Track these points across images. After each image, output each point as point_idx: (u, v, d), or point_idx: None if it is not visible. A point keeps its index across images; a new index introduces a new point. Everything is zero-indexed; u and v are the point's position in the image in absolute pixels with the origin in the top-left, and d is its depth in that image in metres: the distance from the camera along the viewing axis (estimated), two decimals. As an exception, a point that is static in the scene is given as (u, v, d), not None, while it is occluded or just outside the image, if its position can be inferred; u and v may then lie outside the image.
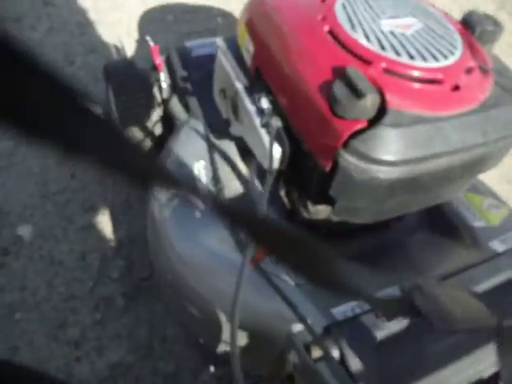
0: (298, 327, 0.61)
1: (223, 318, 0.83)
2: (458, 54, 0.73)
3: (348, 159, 0.63)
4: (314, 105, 0.67)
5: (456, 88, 0.69)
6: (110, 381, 1.10)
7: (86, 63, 1.73)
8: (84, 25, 1.89)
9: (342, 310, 0.63)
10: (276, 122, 0.77)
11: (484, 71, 0.75)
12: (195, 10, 2.06)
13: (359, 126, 0.63)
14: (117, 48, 1.80)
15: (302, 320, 0.61)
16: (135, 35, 1.88)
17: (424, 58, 0.69)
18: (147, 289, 1.22)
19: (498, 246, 0.85)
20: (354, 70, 0.63)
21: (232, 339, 0.59)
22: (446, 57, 0.71)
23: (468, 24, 0.82)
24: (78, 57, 1.75)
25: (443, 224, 0.97)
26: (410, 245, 0.97)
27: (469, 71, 0.73)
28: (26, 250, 1.26)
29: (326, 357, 0.52)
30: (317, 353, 0.53)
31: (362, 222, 0.79)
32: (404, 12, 0.78)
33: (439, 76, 0.69)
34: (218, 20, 2.05)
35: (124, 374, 1.11)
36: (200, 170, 1.02)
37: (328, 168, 0.67)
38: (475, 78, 0.73)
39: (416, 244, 0.97)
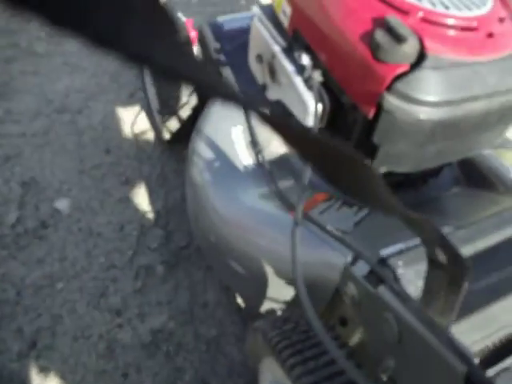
0: (354, 261, 0.64)
1: (269, 273, 0.86)
2: (489, 4, 0.75)
3: (392, 102, 0.65)
4: (357, 53, 0.69)
5: (490, 35, 0.71)
6: (152, 346, 1.12)
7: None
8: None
9: (390, 250, 0.65)
10: (318, 76, 0.79)
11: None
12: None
13: (402, 70, 0.65)
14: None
15: (358, 255, 0.63)
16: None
17: (458, 8, 0.71)
18: (186, 257, 1.25)
19: None
20: (394, 18, 0.66)
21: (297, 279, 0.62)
22: (478, 7, 0.73)
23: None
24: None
25: (478, 178, 0.98)
26: (448, 199, 0.99)
27: (501, 20, 0.74)
28: (64, 222, 1.29)
29: (385, 282, 0.54)
30: (374, 280, 0.56)
31: (403, 170, 0.81)
32: None
33: (474, 24, 0.71)
34: (241, 2, 2.08)
35: (166, 340, 1.13)
36: (238, 134, 1.04)
37: (371, 114, 0.70)
38: (507, 26, 0.75)
39: (454, 198, 0.99)
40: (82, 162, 1.42)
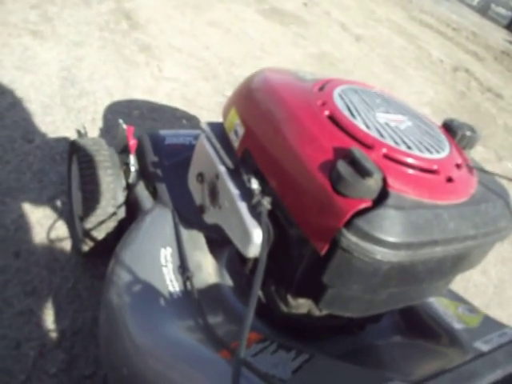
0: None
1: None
2: (447, 150, 0.74)
3: (350, 239, 0.59)
4: (315, 184, 0.64)
5: (450, 179, 0.69)
6: None
7: (46, 143, 1.66)
8: (49, 106, 1.85)
9: None
10: (267, 203, 0.73)
11: (470, 168, 0.76)
12: (161, 109, 2.08)
13: (363, 205, 0.60)
14: (79, 132, 1.76)
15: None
16: (100, 123, 1.86)
17: (420, 149, 0.70)
18: (88, 388, 1.07)
19: (482, 346, 0.81)
20: (359, 151, 0.62)
21: None
22: (438, 151, 0.72)
23: (449, 128, 0.85)
24: (37, 136, 1.68)
25: (419, 327, 0.93)
26: (388, 348, 0.91)
27: (458, 166, 0.73)
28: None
29: None
30: None
31: (349, 315, 0.73)
32: (394, 109, 0.80)
33: (435, 167, 0.69)
34: (183, 121, 2.07)
35: None
36: (167, 257, 0.95)
37: (324, 251, 0.63)
38: (464, 173, 0.74)
39: (393, 347, 0.91)
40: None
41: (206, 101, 2.27)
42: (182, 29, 2.92)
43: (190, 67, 2.51)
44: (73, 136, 1.74)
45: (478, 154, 3.03)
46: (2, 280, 1.22)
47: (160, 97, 2.16)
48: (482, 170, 0.81)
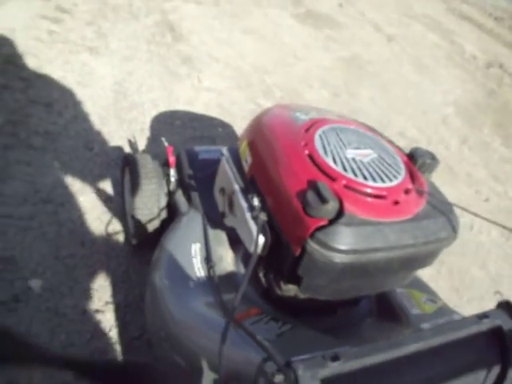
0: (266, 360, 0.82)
1: (205, 367, 1.03)
2: (400, 178, 1.00)
3: (313, 246, 0.88)
4: (293, 207, 0.92)
5: (396, 203, 0.96)
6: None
7: (103, 151, 2.01)
8: (105, 118, 2.20)
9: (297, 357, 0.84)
10: (263, 217, 1.02)
11: (419, 192, 1.02)
12: (200, 119, 2.40)
13: (322, 223, 0.88)
14: (130, 141, 2.10)
15: (270, 357, 0.82)
16: (147, 133, 2.19)
17: (374, 180, 0.96)
18: (137, 347, 1.41)
19: (425, 326, 1.09)
20: (322, 183, 0.90)
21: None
22: (390, 180, 0.98)
23: (412, 156, 1.11)
24: (96, 144, 2.03)
25: (388, 312, 1.21)
26: (361, 328, 1.19)
27: (407, 192, 0.99)
28: (34, 300, 1.44)
29: (286, 381, 0.72)
30: (279, 379, 0.73)
31: (322, 298, 1.02)
32: (364, 144, 1.07)
33: (384, 193, 0.95)
34: (218, 129, 2.38)
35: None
36: (196, 250, 1.26)
37: (298, 253, 0.92)
38: (411, 196, 1.00)
39: (366, 327, 1.19)
40: (58, 250, 1.59)
41: (240, 109, 2.58)
42: (221, 38, 3.22)
43: (226, 77, 2.82)
44: (125, 144, 2.08)
45: (499, 153, 3.19)
46: (71, 264, 1.56)
47: (199, 107, 2.48)
48: (434, 191, 1.07)
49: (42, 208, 1.71)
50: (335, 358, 0.73)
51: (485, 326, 0.86)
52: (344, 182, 0.94)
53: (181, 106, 2.44)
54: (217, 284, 1.14)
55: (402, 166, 1.06)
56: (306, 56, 3.40)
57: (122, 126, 2.18)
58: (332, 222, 0.89)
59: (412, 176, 1.06)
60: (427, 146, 2.88)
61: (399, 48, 4.23)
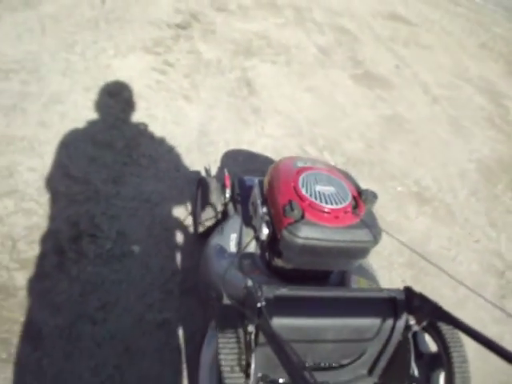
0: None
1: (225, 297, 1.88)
2: (343, 204, 1.80)
3: (285, 233, 1.71)
4: (279, 212, 1.76)
5: (336, 217, 1.77)
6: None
7: (186, 173, 2.96)
8: (190, 150, 3.16)
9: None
10: (267, 218, 1.86)
11: (354, 213, 1.83)
12: (257, 157, 3.30)
13: (291, 221, 1.71)
14: (206, 169, 3.02)
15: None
16: (218, 163, 3.12)
17: (326, 203, 1.77)
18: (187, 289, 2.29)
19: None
20: (294, 202, 1.73)
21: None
22: (337, 204, 1.79)
23: (360, 193, 1.91)
24: (181, 168, 2.98)
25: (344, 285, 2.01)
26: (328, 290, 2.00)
27: (345, 212, 1.80)
28: (135, 259, 2.37)
29: (255, 291, 1.57)
30: (252, 288, 1.58)
31: (295, 267, 1.84)
32: (329, 184, 1.88)
33: (330, 211, 1.76)
34: (268, 165, 3.25)
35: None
36: (233, 238, 2.12)
37: (279, 237, 1.76)
38: (348, 215, 1.80)
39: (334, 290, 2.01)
40: (151, 230, 2.53)
41: (289, 152, 3.44)
42: (286, 94, 4.12)
43: (283, 126, 3.71)
44: (201, 170, 3.01)
45: (505, 206, 3.79)
46: (158, 239, 2.48)
47: (258, 148, 3.39)
48: (370, 215, 1.88)
49: (144, 205, 2.65)
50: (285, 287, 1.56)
51: (384, 294, 1.55)
52: (308, 202, 1.76)
53: (245, 146, 3.36)
54: (240, 258, 2.00)
55: (349, 198, 1.85)
56: (352, 113, 4.21)
57: (201, 156, 3.13)
58: (297, 221, 1.71)
59: (356, 204, 1.87)
60: (436, 193, 3.58)
61: (440, 108, 4.91)
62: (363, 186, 3.09)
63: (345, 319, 1.53)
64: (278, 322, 1.38)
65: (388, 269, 2.79)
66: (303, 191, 1.77)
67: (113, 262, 2.32)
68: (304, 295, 1.54)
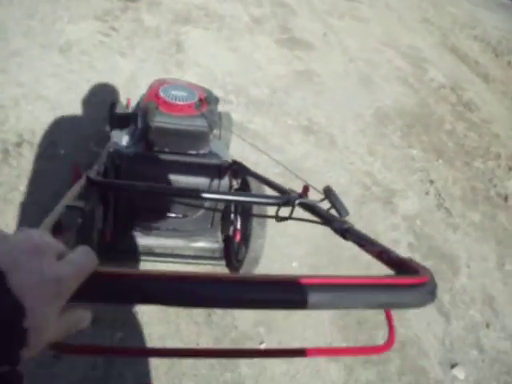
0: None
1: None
2: (189, 102, 2.69)
3: (147, 120, 2.60)
4: (144, 108, 2.65)
5: (181, 109, 2.65)
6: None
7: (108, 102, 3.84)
8: (119, 88, 4.03)
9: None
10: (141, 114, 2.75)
11: (197, 109, 2.71)
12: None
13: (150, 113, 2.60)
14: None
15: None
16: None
17: (176, 100, 2.66)
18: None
19: None
20: (152, 101, 2.62)
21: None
22: (183, 101, 2.68)
23: (206, 97, 2.79)
24: (109, 99, 3.86)
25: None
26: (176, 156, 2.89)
27: (189, 106, 2.68)
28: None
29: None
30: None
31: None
32: (183, 90, 2.75)
33: (177, 105, 2.65)
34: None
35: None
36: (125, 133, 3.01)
37: (146, 126, 2.64)
38: (192, 109, 2.69)
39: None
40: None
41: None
42: (210, 53, 5.01)
43: (200, 75, 4.58)
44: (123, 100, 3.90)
45: (390, 140, 4.65)
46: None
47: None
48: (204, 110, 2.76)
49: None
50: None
51: (214, 161, 2.53)
52: (162, 100, 2.60)
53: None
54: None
55: (194, 99, 2.70)
56: (267, 68, 5.07)
57: (127, 94, 4.01)
58: (153, 112, 2.58)
59: (200, 103, 2.71)
60: (324, 128, 4.42)
61: (354, 67, 5.74)
62: (258, 120, 4.00)
63: (186, 177, 2.38)
64: (135, 174, 2.23)
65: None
66: (161, 94, 2.60)
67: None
68: (156, 157, 2.40)
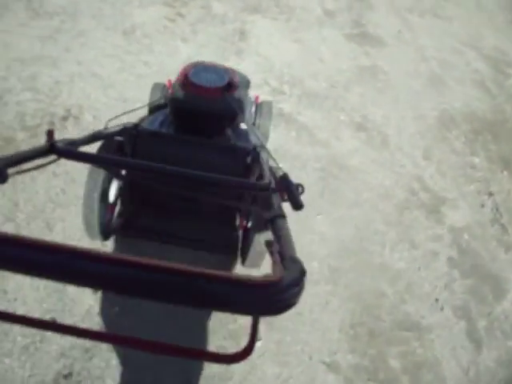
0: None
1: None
2: (217, 85, 2.65)
3: (173, 99, 2.60)
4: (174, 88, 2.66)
5: (207, 91, 2.63)
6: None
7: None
8: (172, 72, 4.08)
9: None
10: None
11: (223, 92, 2.67)
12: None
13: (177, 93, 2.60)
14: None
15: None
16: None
17: (203, 82, 2.64)
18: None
19: None
20: (177, 83, 2.61)
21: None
22: (211, 84, 2.65)
23: (235, 81, 2.75)
24: (160, 79, 3.91)
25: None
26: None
27: (216, 90, 2.66)
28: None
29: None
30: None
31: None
32: (214, 73, 2.73)
33: (202, 87, 2.63)
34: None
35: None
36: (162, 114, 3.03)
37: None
38: (218, 92, 2.65)
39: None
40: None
41: (254, 78, 4.27)
42: (273, 43, 4.94)
43: (257, 64, 4.52)
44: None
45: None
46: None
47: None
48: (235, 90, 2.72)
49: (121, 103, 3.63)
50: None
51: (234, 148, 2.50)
52: (190, 81, 2.62)
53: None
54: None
55: (223, 83, 2.66)
56: (330, 61, 4.93)
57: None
58: (178, 93, 2.58)
59: (229, 88, 2.67)
60: (379, 126, 4.23)
61: (426, 67, 5.46)
62: (308, 113, 3.90)
63: (194, 159, 2.35)
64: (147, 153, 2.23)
65: (300, 169, 3.54)
66: (189, 75, 2.60)
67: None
68: (169, 137, 2.40)
